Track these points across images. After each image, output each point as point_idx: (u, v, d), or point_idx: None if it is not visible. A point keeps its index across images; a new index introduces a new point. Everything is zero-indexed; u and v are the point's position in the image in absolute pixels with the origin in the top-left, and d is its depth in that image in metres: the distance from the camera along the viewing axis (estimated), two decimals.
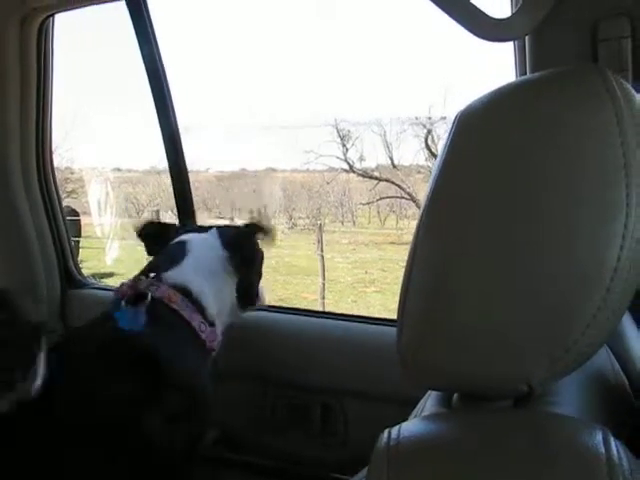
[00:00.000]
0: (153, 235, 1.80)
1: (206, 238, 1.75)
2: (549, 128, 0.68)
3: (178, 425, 1.44)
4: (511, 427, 0.64)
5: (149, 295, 1.53)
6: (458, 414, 0.73)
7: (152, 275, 1.60)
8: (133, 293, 1.54)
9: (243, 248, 1.76)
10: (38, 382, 1.28)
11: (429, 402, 0.81)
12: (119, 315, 1.50)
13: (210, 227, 1.80)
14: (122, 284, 1.61)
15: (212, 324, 1.62)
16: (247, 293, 1.77)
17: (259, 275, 1.84)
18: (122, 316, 1.50)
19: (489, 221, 0.68)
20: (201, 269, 1.66)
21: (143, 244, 1.82)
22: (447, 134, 0.77)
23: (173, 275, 1.61)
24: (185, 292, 1.59)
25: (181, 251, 1.69)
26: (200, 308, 1.60)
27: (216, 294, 1.66)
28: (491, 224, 0.68)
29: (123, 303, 1.52)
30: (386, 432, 0.64)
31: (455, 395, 0.76)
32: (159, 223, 1.86)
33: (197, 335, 1.57)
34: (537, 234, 0.66)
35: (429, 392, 0.85)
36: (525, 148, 0.68)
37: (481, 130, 0.74)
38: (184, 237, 1.74)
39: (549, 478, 0.57)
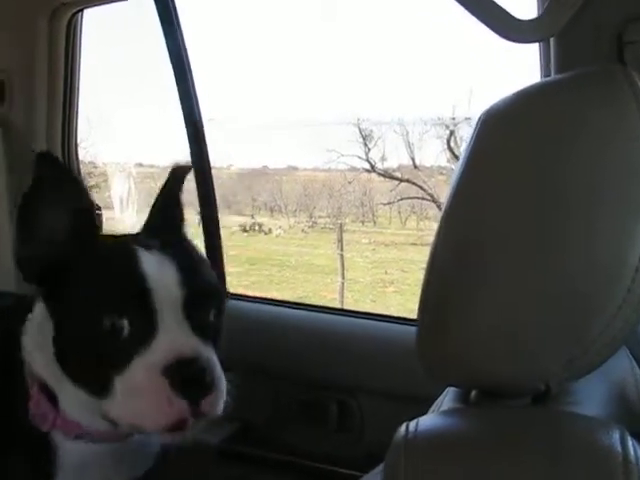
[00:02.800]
0: None
1: None
2: (573, 129, 0.68)
3: None
4: (528, 424, 0.64)
5: None
6: (476, 410, 0.74)
7: None
8: None
9: None
10: None
11: (447, 398, 0.82)
12: None
13: None
14: None
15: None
16: None
17: None
18: None
19: (511, 221, 0.69)
20: None
21: None
22: (470, 134, 0.77)
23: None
24: None
25: None
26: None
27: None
28: (513, 224, 0.69)
29: None
30: (404, 426, 0.64)
31: (473, 392, 0.77)
32: None
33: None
34: (558, 233, 0.66)
35: (447, 389, 0.85)
36: (549, 149, 0.69)
37: (505, 131, 0.74)
38: None
39: (565, 476, 0.58)
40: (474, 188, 0.73)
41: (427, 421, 0.66)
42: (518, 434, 0.62)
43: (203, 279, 1.15)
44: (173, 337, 1.05)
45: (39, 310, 1.19)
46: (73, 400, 1.16)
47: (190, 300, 1.08)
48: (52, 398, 1.18)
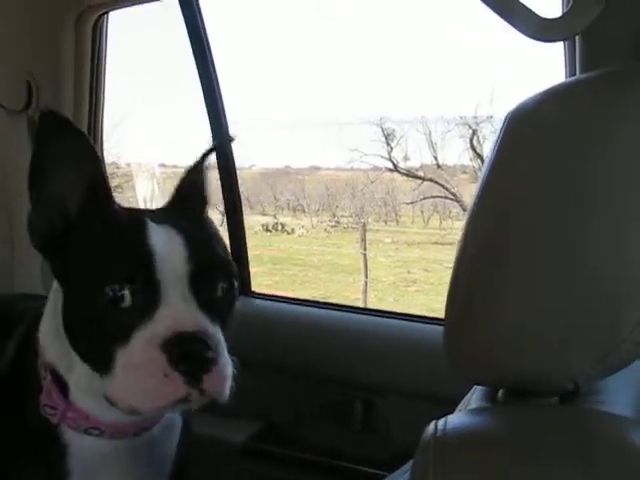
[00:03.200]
0: None
1: None
2: (601, 127, 0.68)
3: None
4: (558, 423, 0.64)
5: None
6: (504, 409, 0.74)
7: None
8: None
9: None
10: None
11: (474, 397, 0.82)
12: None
13: None
14: None
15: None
16: None
17: None
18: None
19: (538, 219, 0.69)
20: None
21: None
22: (497, 132, 0.77)
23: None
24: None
25: None
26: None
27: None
28: (540, 222, 0.69)
29: None
30: (432, 424, 0.65)
31: (500, 390, 0.77)
32: None
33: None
34: (587, 232, 0.66)
35: (474, 387, 0.85)
36: (576, 147, 0.69)
37: (532, 129, 0.74)
38: None
39: (595, 475, 0.58)
40: (501, 186, 0.73)
41: (456, 419, 0.66)
42: (548, 433, 0.62)
43: (211, 253, 1.10)
44: (175, 310, 1.00)
45: (53, 291, 1.17)
46: (82, 385, 1.14)
47: (197, 274, 1.03)
48: (63, 389, 1.16)
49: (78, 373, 1.13)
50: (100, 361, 1.05)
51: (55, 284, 1.16)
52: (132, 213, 1.15)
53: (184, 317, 1.01)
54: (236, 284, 1.12)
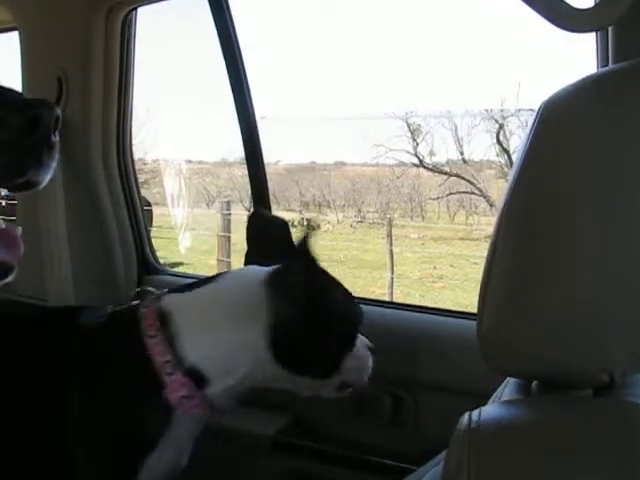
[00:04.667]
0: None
1: (247, 275, 1.35)
2: (636, 119, 0.67)
3: None
4: (593, 415, 0.64)
5: (140, 310, 1.30)
6: (538, 401, 0.74)
7: (146, 287, 1.41)
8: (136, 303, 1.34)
9: (292, 287, 1.25)
10: None
11: (507, 389, 0.82)
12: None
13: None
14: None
15: (197, 377, 1.24)
16: (299, 356, 1.28)
17: (342, 338, 1.34)
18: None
19: (572, 213, 0.68)
20: (204, 306, 1.30)
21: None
22: (530, 124, 0.77)
23: (171, 299, 1.32)
24: (165, 321, 1.26)
25: (212, 278, 1.37)
26: (174, 346, 1.24)
27: (220, 340, 1.26)
28: (575, 216, 0.68)
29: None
30: (466, 415, 0.64)
31: (534, 383, 0.77)
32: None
33: (154, 375, 1.22)
34: (622, 227, 0.65)
35: (507, 380, 0.85)
36: (611, 139, 0.68)
37: (566, 120, 0.74)
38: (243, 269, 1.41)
39: (632, 467, 0.57)
40: (534, 179, 0.73)
41: (490, 411, 0.66)
42: (584, 425, 0.62)
43: None
44: None
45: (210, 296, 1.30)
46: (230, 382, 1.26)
47: None
48: (199, 383, 1.24)
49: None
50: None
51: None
52: None
53: None
54: None
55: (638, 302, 0.65)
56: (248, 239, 1.46)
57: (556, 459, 0.59)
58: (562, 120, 0.74)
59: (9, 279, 0.93)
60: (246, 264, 1.42)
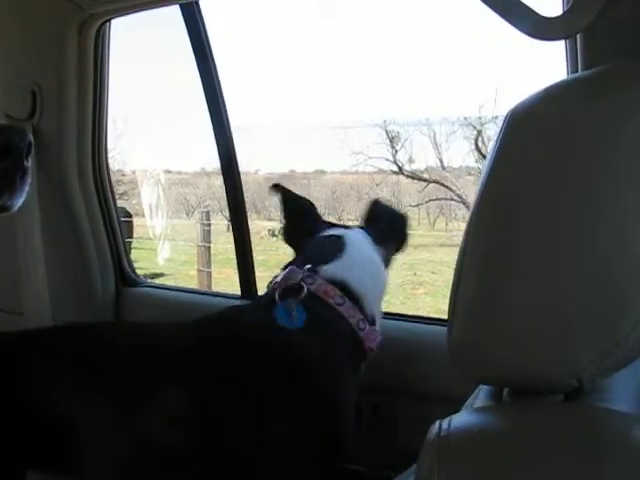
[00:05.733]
0: (298, 224, 1.71)
1: (357, 233, 1.64)
2: (601, 124, 0.68)
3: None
4: (563, 421, 0.64)
5: (305, 288, 1.43)
6: (508, 407, 0.74)
7: (307, 267, 1.48)
8: (286, 286, 1.44)
9: (399, 241, 1.70)
10: None
11: (479, 396, 0.82)
12: (279, 312, 1.40)
13: (345, 225, 1.74)
14: (275, 277, 1.52)
15: (372, 322, 1.50)
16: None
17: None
18: (280, 312, 1.39)
19: (540, 218, 0.69)
20: (360, 264, 1.54)
21: (285, 227, 1.74)
22: (498, 132, 0.77)
23: (331, 269, 1.50)
24: (343, 287, 1.47)
25: (337, 245, 1.57)
26: (359, 304, 1.47)
27: (376, 289, 1.56)
28: (542, 221, 0.69)
29: (277, 297, 1.42)
30: (437, 424, 0.64)
31: (505, 389, 0.77)
32: (307, 214, 1.74)
33: (355, 335, 1.44)
34: (588, 231, 0.66)
35: (479, 387, 0.85)
36: (578, 145, 0.69)
37: (533, 127, 0.74)
38: (334, 232, 1.63)
39: (601, 472, 0.58)
40: (503, 185, 0.73)
41: (460, 419, 0.66)
42: (553, 431, 0.62)
43: None
44: None
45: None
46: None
47: None
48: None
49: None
50: None
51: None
52: None
53: None
54: None
55: (605, 304, 0.65)
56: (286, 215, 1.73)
57: (525, 466, 0.59)
58: (530, 126, 0.75)
59: None
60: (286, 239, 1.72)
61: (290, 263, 1.57)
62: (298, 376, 1.34)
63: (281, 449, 1.30)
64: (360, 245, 1.60)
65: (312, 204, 1.78)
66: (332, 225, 1.70)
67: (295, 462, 1.31)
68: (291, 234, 1.72)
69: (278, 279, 1.48)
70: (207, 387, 1.31)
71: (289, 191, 1.77)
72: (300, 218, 1.72)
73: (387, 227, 1.69)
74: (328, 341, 1.42)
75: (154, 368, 1.34)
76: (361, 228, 1.69)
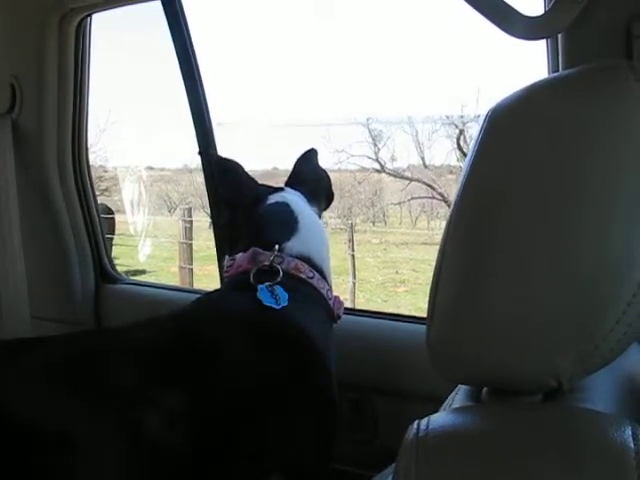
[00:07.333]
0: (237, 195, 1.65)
1: (298, 198, 1.64)
2: (583, 124, 0.68)
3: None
4: (541, 421, 0.64)
5: (280, 271, 1.42)
6: (487, 407, 0.74)
7: (276, 247, 1.46)
8: (260, 268, 1.43)
9: (329, 197, 1.78)
10: None
11: (458, 396, 0.82)
12: (262, 294, 1.38)
13: (280, 188, 1.67)
14: (232, 259, 1.51)
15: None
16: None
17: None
18: (263, 294, 1.38)
19: (520, 218, 0.69)
20: (314, 233, 1.56)
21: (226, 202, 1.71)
22: (478, 131, 0.77)
23: (295, 245, 1.50)
24: (308, 260, 1.49)
25: (288, 215, 1.56)
26: (323, 275, 1.51)
27: (327, 254, 1.58)
28: (522, 221, 0.68)
29: (252, 280, 1.40)
30: (415, 424, 0.64)
31: (484, 389, 0.77)
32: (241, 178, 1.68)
33: (327, 304, 1.49)
34: (568, 232, 0.66)
35: (458, 386, 0.85)
36: (558, 144, 0.68)
37: (512, 126, 0.74)
38: (277, 198, 1.60)
39: (578, 472, 0.58)
40: (482, 184, 0.73)
41: (438, 419, 0.65)
42: (531, 431, 0.62)
43: None
44: None
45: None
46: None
47: None
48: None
49: None
50: None
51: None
52: None
53: None
54: None
55: (585, 305, 0.65)
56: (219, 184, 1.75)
57: (503, 467, 0.59)
58: (510, 125, 0.75)
59: None
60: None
61: (236, 238, 1.58)
62: (300, 350, 1.36)
63: (294, 412, 1.35)
64: (305, 212, 1.60)
65: (240, 165, 1.70)
66: (269, 189, 1.65)
67: (304, 413, 1.36)
68: (233, 210, 1.66)
69: (242, 262, 1.47)
70: (224, 373, 1.30)
71: (218, 156, 1.81)
72: (238, 187, 1.66)
73: (316, 187, 1.73)
74: (314, 314, 1.45)
75: (164, 364, 1.29)
76: (294, 189, 1.67)
